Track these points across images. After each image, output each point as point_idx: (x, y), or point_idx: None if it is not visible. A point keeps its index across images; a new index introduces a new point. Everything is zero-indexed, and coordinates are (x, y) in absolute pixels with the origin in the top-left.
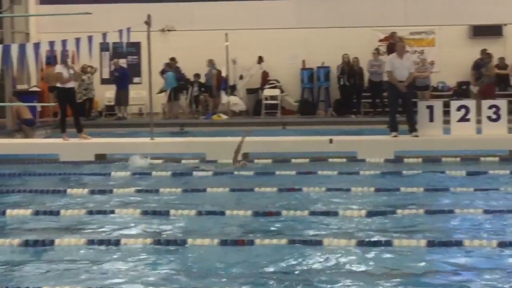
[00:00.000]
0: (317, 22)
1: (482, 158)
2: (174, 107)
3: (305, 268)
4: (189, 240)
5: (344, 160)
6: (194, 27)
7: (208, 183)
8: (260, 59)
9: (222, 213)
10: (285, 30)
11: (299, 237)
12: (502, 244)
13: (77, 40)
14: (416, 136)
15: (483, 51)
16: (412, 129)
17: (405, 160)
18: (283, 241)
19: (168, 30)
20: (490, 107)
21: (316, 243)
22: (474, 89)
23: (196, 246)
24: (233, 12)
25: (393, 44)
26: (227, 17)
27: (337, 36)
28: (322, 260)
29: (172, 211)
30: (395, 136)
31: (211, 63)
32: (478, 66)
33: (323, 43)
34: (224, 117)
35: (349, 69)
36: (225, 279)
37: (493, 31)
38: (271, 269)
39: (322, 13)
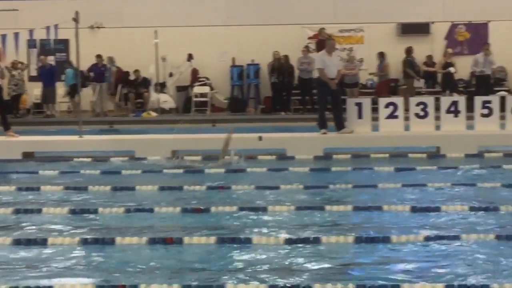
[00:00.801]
0: (247, 19)
1: (410, 155)
2: (73, 104)
3: (234, 265)
4: (118, 239)
5: (273, 157)
6: (123, 24)
7: (137, 181)
8: (190, 57)
9: (151, 211)
10: (215, 27)
11: (229, 234)
12: (429, 239)
13: (3, 37)
14: (351, 132)
15: (408, 49)
16: (340, 126)
17: (334, 156)
18: (212, 239)
19: (97, 27)
20: (418, 104)
21: (245, 240)
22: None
23: (124, 245)
24: (163, 9)
25: (322, 41)
26: (156, 14)
27: (266, 33)
28: (251, 257)
29: (100, 209)
30: (325, 133)
31: (110, 60)
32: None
33: (253, 40)
34: (153, 114)
35: (279, 66)
36: (154, 277)
37: (420, 29)
38: (200, 266)
39: (251, 11)
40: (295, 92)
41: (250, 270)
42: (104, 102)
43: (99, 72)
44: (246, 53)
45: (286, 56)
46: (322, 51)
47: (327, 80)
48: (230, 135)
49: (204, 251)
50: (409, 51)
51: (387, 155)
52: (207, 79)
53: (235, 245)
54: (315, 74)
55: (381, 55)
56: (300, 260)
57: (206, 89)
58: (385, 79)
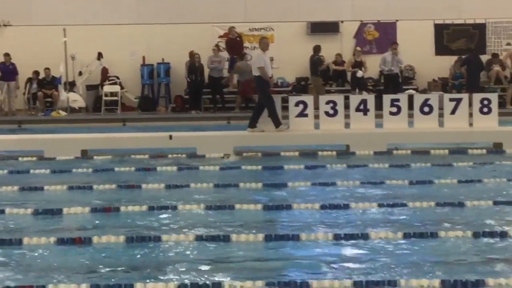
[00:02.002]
0: (157, 18)
1: (320, 153)
2: None
3: (145, 263)
4: (25, 239)
5: (184, 156)
6: (31, 22)
7: (46, 181)
8: (100, 55)
9: (60, 211)
10: (124, 26)
11: (138, 233)
12: (338, 237)
13: None
14: (262, 131)
15: (316, 48)
16: (253, 125)
17: (244, 155)
18: (121, 238)
19: (4, 25)
20: (328, 102)
21: (155, 239)
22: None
23: (32, 245)
24: (72, 7)
25: (232, 40)
26: (65, 12)
27: (177, 32)
28: (161, 255)
29: (7, 210)
30: (288, 128)
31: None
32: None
33: (163, 39)
34: (63, 113)
35: (190, 64)
36: (63, 277)
37: (330, 27)
38: (110, 266)
39: (162, 9)
40: (205, 91)
41: (160, 269)
42: (12, 101)
43: (7, 70)
44: (156, 52)
45: (198, 55)
46: (259, 50)
47: (267, 78)
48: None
49: (113, 250)
50: (316, 49)
51: (297, 153)
52: (117, 78)
53: (144, 244)
54: (256, 73)
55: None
56: (212, 257)
57: (116, 88)
58: (243, 78)
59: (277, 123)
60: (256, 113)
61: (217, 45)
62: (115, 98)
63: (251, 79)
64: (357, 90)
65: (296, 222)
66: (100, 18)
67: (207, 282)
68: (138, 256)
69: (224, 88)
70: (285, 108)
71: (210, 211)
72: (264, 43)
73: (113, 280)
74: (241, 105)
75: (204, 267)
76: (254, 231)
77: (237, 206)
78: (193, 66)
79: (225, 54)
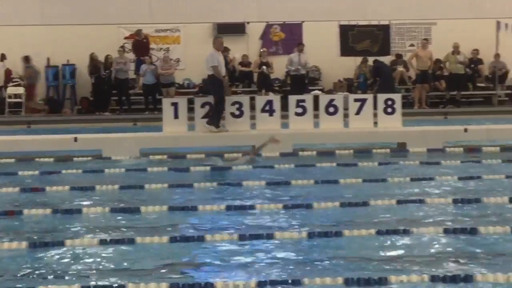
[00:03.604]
0: (62, 19)
1: (226, 154)
2: None
3: (48, 269)
4: None
5: (89, 158)
6: None
7: None
8: (3, 57)
9: None
10: (28, 27)
11: (41, 238)
12: (243, 238)
13: None
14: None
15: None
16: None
17: (151, 157)
18: (24, 244)
19: None
20: (233, 103)
21: (57, 243)
22: None
23: None
24: None
25: (139, 41)
26: None
27: (82, 33)
28: (66, 259)
29: None
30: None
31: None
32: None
33: (68, 40)
34: None
35: (93, 66)
36: None
37: (236, 29)
38: (12, 271)
39: (66, 10)
40: (112, 93)
41: (64, 274)
42: None
43: None
44: (61, 54)
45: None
46: (212, 49)
47: (221, 78)
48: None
49: (15, 255)
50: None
51: (203, 155)
52: (21, 79)
53: (47, 249)
54: (209, 72)
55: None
56: (117, 260)
57: (20, 90)
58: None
59: (216, 123)
60: (217, 113)
61: (122, 47)
62: (19, 100)
63: None
64: (263, 91)
65: (202, 223)
66: (3, 19)
67: (115, 285)
68: (41, 260)
69: (131, 90)
70: (191, 110)
71: (116, 214)
72: (218, 43)
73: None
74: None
75: (108, 271)
76: (159, 233)
77: (143, 208)
78: (96, 68)
79: (131, 56)
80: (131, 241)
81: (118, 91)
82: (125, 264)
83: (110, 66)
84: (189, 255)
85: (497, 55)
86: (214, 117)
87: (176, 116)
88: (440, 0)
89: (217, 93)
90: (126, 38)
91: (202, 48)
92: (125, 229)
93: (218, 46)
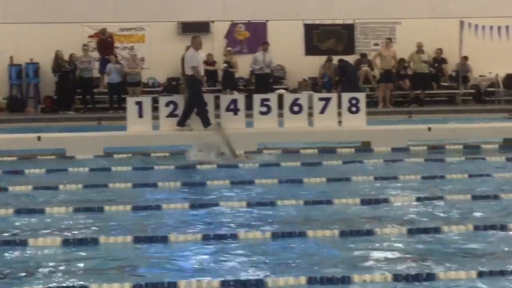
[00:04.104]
0: (25, 17)
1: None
2: None
3: (9, 269)
4: None
5: (53, 157)
6: None
7: None
8: None
9: None
10: None
11: (4, 238)
12: (207, 237)
13: None
14: (191, 130)
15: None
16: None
17: (115, 156)
18: None
19: None
20: None
21: (20, 243)
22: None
23: None
24: None
25: (103, 40)
26: None
27: (46, 31)
28: (26, 260)
29: None
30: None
31: None
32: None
33: (31, 38)
34: None
35: (58, 64)
36: None
37: (201, 27)
38: None
39: (30, 8)
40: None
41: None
42: None
43: None
44: (24, 52)
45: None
46: (191, 49)
47: (200, 78)
48: (222, 130)
49: None
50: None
51: (167, 153)
52: None
53: (9, 248)
54: (189, 72)
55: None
56: (80, 260)
57: None
58: None
59: (206, 123)
60: (186, 112)
61: (86, 45)
62: None
63: None
64: (228, 90)
65: (166, 222)
66: None
67: (77, 286)
68: (3, 260)
69: (95, 89)
70: (155, 109)
71: (79, 213)
72: (197, 42)
73: None
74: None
75: (71, 271)
76: (122, 233)
77: (106, 208)
78: (60, 66)
79: (95, 54)
80: (94, 241)
81: (82, 90)
82: (88, 264)
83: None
84: (153, 254)
85: (463, 58)
86: (202, 117)
87: (140, 115)
88: (404, 0)
89: (196, 92)
90: (90, 36)
91: (166, 47)
92: (87, 229)
93: (197, 45)
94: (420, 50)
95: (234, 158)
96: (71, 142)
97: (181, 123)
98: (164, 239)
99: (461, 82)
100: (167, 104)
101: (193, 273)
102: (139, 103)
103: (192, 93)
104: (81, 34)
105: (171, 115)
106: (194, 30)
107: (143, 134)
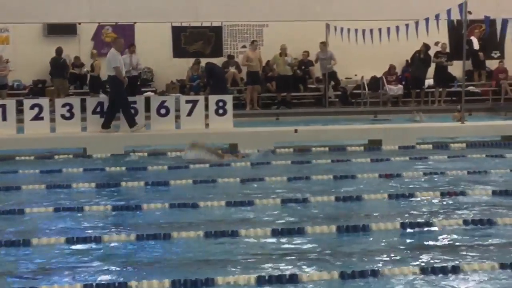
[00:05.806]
0: None
1: (56, 156)
2: None
3: None
4: None
5: None
6: None
7: None
8: None
9: None
10: None
11: None
12: (70, 241)
13: None
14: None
15: (57, 49)
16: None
17: None
18: None
19: None
20: (64, 105)
21: None
22: None
23: None
24: None
25: None
26: None
27: None
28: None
29: None
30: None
31: None
32: None
33: None
34: None
35: None
36: None
37: (67, 29)
38: None
39: None
40: None
41: None
42: None
43: None
44: None
45: None
46: (112, 50)
47: (122, 79)
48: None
49: None
50: (59, 51)
51: (32, 157)
52: None
53: None
54: (110, 73)
55: None
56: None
57: None
58: None
59: (131, 124)
60: (109, 114)
61: None
62: None
63: None
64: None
65: (29, 226)
66: None
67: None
68: None
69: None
70: (20, 112)
71: None
72: (119, 43)
73: None
74: None
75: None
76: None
77: None
78: None
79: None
80: (27, 243)
81: None
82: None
83: None
84: (14, 260)
85: (323, 44)
86: (127, 118)
87: (4, 118)
88: (271, 2)
89: (118, 94)
90: None
91: (32, 49)
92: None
93: (119, 46)
94: (283, 52)
95: (222, 159)
96: None
97: (106, 125)
98: (26, 243)
99: (328, 83)
100: (32, 107)
101: (55, 277)
102: (2, 106)
103: (115, 94)
104: None
105: (36, 118)
106: (61, 32)
107: (6, 138)
